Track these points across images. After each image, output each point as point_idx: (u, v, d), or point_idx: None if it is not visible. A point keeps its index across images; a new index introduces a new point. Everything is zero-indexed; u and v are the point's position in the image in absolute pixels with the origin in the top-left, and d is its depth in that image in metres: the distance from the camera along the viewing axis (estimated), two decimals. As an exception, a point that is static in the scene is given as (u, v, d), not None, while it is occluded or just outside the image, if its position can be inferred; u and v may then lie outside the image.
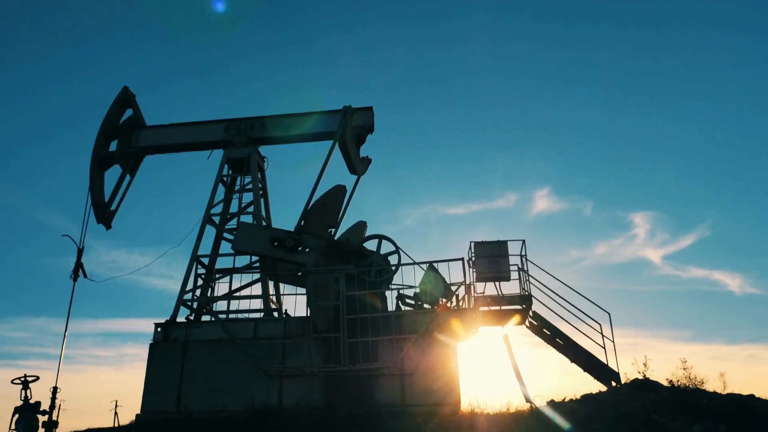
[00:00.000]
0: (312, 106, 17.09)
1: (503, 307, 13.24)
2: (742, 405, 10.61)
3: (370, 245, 14.17)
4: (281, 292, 17.14)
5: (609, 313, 15.14)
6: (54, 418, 12.91)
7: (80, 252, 15.10)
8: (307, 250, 14.01)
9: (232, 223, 17.08)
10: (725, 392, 11.89)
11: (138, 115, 17.66)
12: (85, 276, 15.15)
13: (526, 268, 13.54)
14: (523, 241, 13.87)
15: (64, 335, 14.75)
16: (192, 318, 15.33)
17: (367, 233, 14.68)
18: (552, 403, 11.17)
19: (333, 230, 14.62)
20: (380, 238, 14.24)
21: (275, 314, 15.43)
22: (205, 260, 16.54)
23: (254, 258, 16.43)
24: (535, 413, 10.64)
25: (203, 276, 16.17)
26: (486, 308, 13.27)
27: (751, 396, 11.43)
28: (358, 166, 15.72)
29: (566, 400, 11.38)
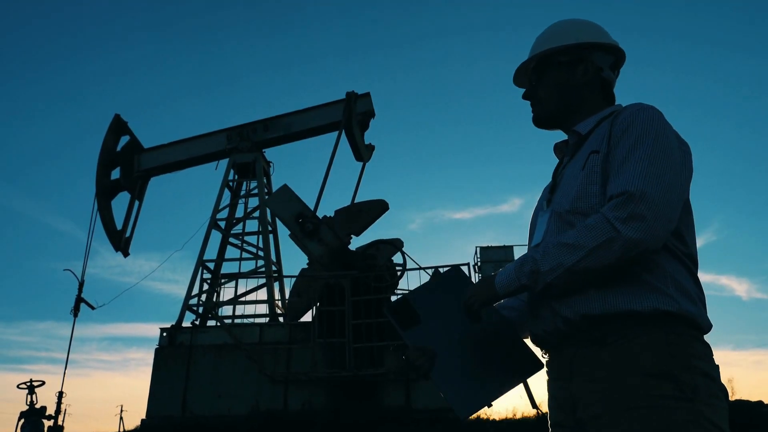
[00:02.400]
0: (312, 103, 17.18)
1: (509, 312, 13.17)
2: (752, 412, 10.51)
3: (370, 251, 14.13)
4: (286, 297, 17.14)
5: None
6: (59, 422, 12.93)
7: (81, 286, 14.99)
8: (320, 242, 13.98)
9: (238, 228, 17.15)
10: (733, 399, 11.81)
11: (135, 139, 17.53)
12: (92, 308, 15.13)
13: (531, 273, 13.49)
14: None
15: (67, 354, 14.76)
16: (197, 323, 15.34)
17: (370, 237, 14.68)
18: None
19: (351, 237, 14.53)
20: (385, 243, 14.21)
21: (281, 319, 15.43)
22: (211, 265, 16.57)
23: (260, 263, 16.49)
24: (541, 419, 10.59)
25: (209, 281, 16.19)
26: (492, 313, 13.20)
27: (760, 402, 11.34)
28: (363, 152, 15.98)
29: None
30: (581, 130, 1.73)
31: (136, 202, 17.38)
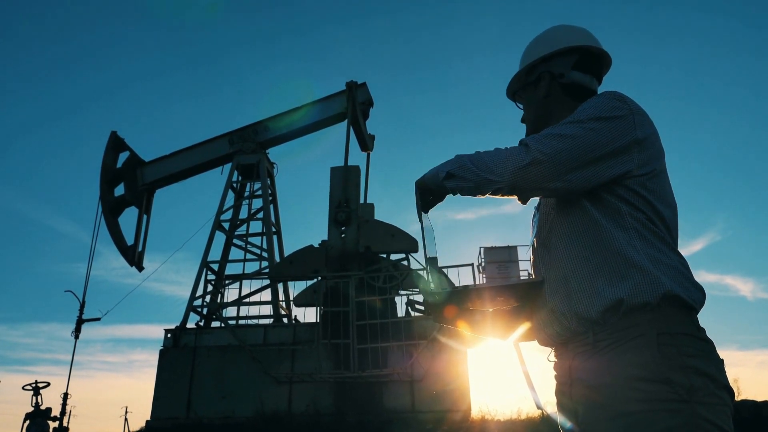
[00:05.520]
0: (308, 99, 17.27)
1: (513, 313, 13.13)
2: (757, 412, 10.47)
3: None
4: (291, 298, 17.17)
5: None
6: (64, 424, 12.96)
7: (82, 307, 14.97)
8: (342, 236, 13.97)
9: (242, 229, 17.17)
10: (739, 399, 11.75)
11: (134, 154, 17.50)
12: (97, 320, 15.20)
13: (535, 274, 13.46)
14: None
15: (71, 363, 14.79)
16: (202, 324, 15.35)
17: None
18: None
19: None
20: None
21: (284, 320, 15.43)
22: (215, 266, 16.58)
23: (264, 264, 16.49)
24: (546, 420, 10.56)
25: (213, 282, 16.20)
26: (496, 314, 13.16)
27: (766, 403, 11.29)
28: (368, 141, 16.25)
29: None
30: None
31: (144, 216, 17.39)
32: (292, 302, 14.88)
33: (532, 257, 1.84)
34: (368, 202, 15.54)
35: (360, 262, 13.59)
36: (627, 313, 1.46)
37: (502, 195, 1.60)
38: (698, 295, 1.52)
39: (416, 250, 14.40)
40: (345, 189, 14.13)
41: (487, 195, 1.63)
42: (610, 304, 1.47)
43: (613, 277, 1.49)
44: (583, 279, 1.54)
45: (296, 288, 14.54)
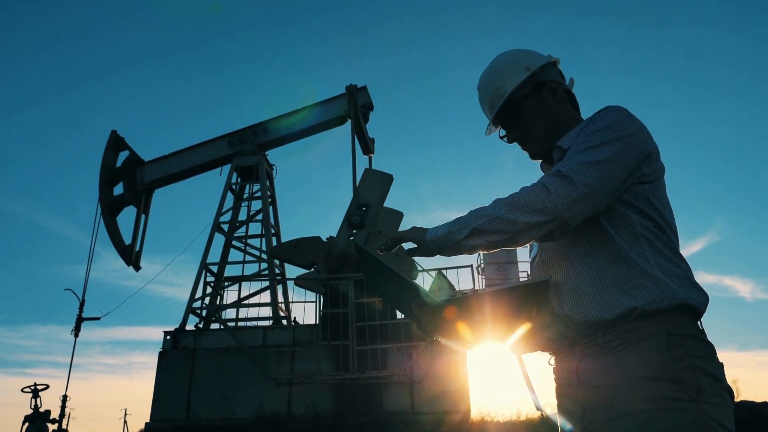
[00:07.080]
0: (310, 100, 17.29)
1: (513, 314, 13.12)
2: (757, 413, 10.47)
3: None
4: (290, 300, 17.16)
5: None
6: (64, 426, 12.95)
7: (82, 305, 14.95)
8: (351, 238, 13.97)
9: (241, 231, 17.17)
10: (738, 400, 11.75)
11: (134, 154, 17.48)
12: (97, 319, 15.20)
13: (535, 275, 13.47)
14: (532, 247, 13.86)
15: (70, 365, 14.77)
16: (201, 326, 15.34)
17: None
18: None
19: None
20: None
21: (284, 322, 15.43)
22: (214, 268, 16.57)
23: (263, 265, 16.49)
24: (545, 421, 10.56)
25: (212, 284, 16.19)
26: (495, 315, 13.15)
27: (765, 404, 11.29)
28: (369, 144, 16.24)
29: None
30: (563, 144, 1.73)
31: (143, 216, 17.39)
32: (293, 280, 14.80)
33: (532, 266, 1.87)
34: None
35: (357, 269, 13.58)
36: (637, 318, 1.48)
37: (545, 238, 1.53)
38: (705, 300, 1.56)
39: (417, 275, 14.39)
40: (371, 194, 14.04)
41: (519, 244, 1.56)
42: (623, 312, 1.49)
43: (626, 287, 1.51)
44: (595, 289, 1.55)
45: (296, 272, 14.49)
